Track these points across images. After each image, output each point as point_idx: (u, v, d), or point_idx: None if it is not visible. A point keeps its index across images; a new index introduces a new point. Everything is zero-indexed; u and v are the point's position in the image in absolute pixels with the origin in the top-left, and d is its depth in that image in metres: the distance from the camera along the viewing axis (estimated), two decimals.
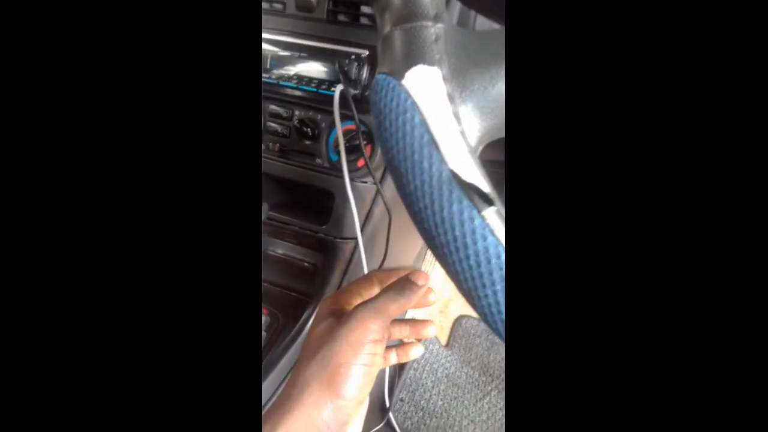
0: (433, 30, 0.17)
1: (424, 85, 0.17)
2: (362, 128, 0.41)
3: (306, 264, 0.52)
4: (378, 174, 0.44)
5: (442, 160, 0.16)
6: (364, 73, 0.39)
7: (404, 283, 0.24)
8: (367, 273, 0.28)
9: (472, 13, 0.39)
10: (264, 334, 0.48)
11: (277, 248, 0.53)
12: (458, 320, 0.97)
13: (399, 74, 0.17)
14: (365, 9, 0.39)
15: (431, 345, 0.87)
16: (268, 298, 0.51)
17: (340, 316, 0.23)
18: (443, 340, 0.92)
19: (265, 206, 0.43)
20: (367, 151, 0.42)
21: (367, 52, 0.39)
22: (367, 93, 0.40)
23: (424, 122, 0.16)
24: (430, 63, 0.17)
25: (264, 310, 0.49)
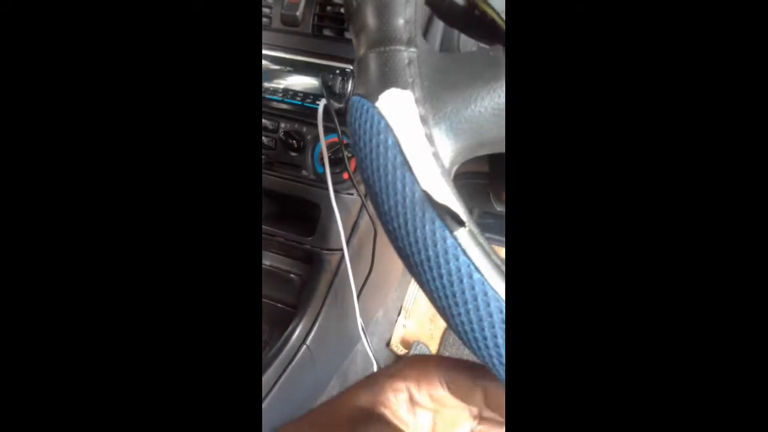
0: (406, 54, 0.18)
1: (397, 108, 0.17)
2: (346, 141, 0.41)
3: (292, 275, 0.52)
4: (363, 186, 0.44)
5: (414, 182, 0.16)
6: (349, 87, 0.40)
7: None
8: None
9: (456, 33, 0.40)
10: None
11: (263, 260, 0.53)
12: (448, 329, 0.97)
13: (373, 96, 0.17)
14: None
15: (420, 353, 0.87)
16: None
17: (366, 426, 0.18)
18: (433, 348, 0.92)
19: None
20: (351, 163, 0.42)
21: (351, 67, 0.39)
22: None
23: (397, 144, 0.17)
24: (403, 86, 0.17)
25: None
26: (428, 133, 0.17)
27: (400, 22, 0.18)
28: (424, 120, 0.17)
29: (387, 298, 0.80)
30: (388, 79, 0.17)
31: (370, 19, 0.18)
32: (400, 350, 0.87)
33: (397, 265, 0.76)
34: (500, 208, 0.53)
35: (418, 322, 0.94)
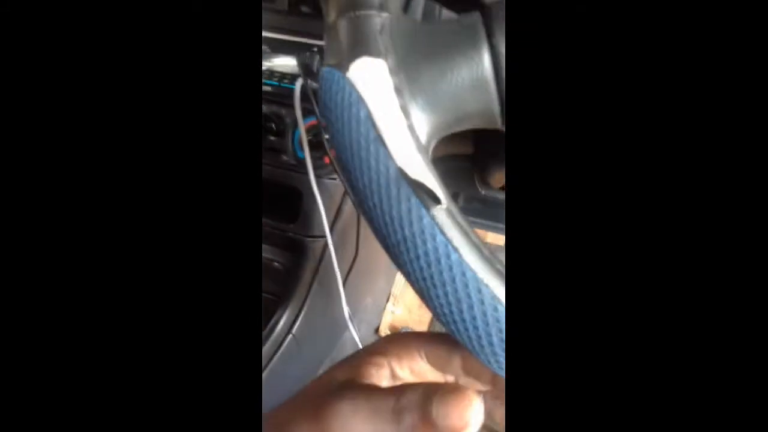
0: (379, 19, 0.17)
1: (370, 78, 0.16)
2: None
3: (275, 264, 0.51)
4: None
5: (389, 157, 0.15)
6: None
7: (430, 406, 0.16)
8: (408, 335, 0.20)
9: (437, 7, 0.38)
10: None
11: None
12: None
13: (344, 66, 0.16)
14: None
15: None
16: None
17: (346, 391, 0.18)
18: None
19: None
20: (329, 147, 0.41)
21: None
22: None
23: (369, 117, 0.16)
24: (376, 54, 0.16)
25: None
26: (403, 105, 0.16)
27: None
28: (398, 91, 0.16)
29: (375, 285, 0.80)
30: (359, 46, 0.16)
31: None
32: None
33: (382, 252, 0.76)
34: (485, 192, 0.52)
35: (406, 308, 0.94)
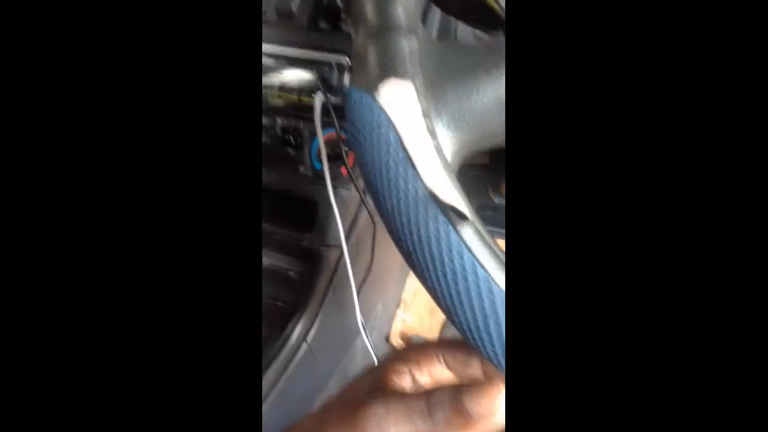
0: (406, 43, 0.17)
1: (399, 101, 0.17)
2: (344, 136, 0.40)
3: (291, 273, 0.51)
4: (361, 182, 0.44)
5: (417, 179, 0.16)
6: (346, 80, 0.39)
7: (456, 407, 0.16)
8: (425, 343, 0.21)
9: (453, 21, 0.39)
10: None
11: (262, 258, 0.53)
12: (447, 323, 0.97)
13: (372, 88, 0.17)
14: (345, 17, 0.39)
15: None
16: None
17: (377, 394, 0.18)
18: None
19: None
20: (350, 159, 0.41)
21: (348, 60, 0.39)
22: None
23: (399, 140, 0.16)
24: (404, 77, 0.17)
25: None
26: (430, 127, 0.17)
27: (399, 10, 0.17)
28: (425, 113, 0.17)
29: (386, 292, 0.80)
30: (387, 69, 0.17)
31: (369, 7, 0.17)
32: (400, 344, 0.87)
33: (397, 259, 0.76)
34: (498, 201, 0.53)
35: (417, 315, 0.94)
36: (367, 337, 0.49)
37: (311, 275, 0.49)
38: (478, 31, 0.38)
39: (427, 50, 0.18)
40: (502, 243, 0.16)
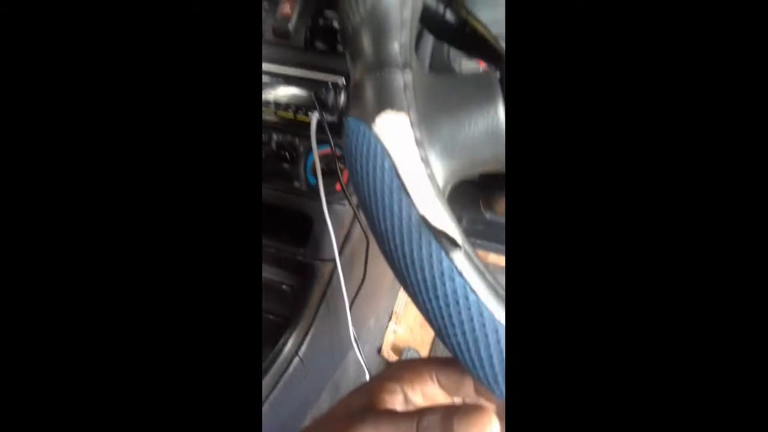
0: (402, 77, 0.18)
1: (394, 131, 0.18)
2: (339, 153, 0.41)
3: (284, 287, 0.52)
4: (355, 198, 0.45)
5: (411, 205, 0.17)
6: (341, 99, 0.40)
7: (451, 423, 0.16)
8: (418, 361, 0.21)
9: (446, 46, 0.40)
10: None
11: None
12: None
13: (369, 119, 0.18)
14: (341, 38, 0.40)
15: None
16: None
17: (367, 414, 0.18)
18: (424, 353, 0.93)
19: None
20: (344, 175, 0.42)
21: (344, 80, 0.40)
22: (344, 118, 0.41)
23: (393, 168, 0.17)
24: (399, 109, 0.18)
25: None
26: (423, 157, 0.18)
27: (395, 46, 0.18)
28: (419, 143, 0.18)
29: (378, 305, 0.80)
30: (383, 102, 0.18)
31: (366, 43, 0.18)
32: (392, 357, 0.87)
33: (389, 272, 0.77)
34: (490, 216, 0.54)
35: (408, 327, 0.94)
36: (359, 351, 0.49)
37: (304, 289, 0.49)
38: (466, 55, 0.40)
39: (421, 84, 0.19)
40: (493, 257, 0.17)
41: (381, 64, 0.18)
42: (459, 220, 0.17)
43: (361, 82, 0.18)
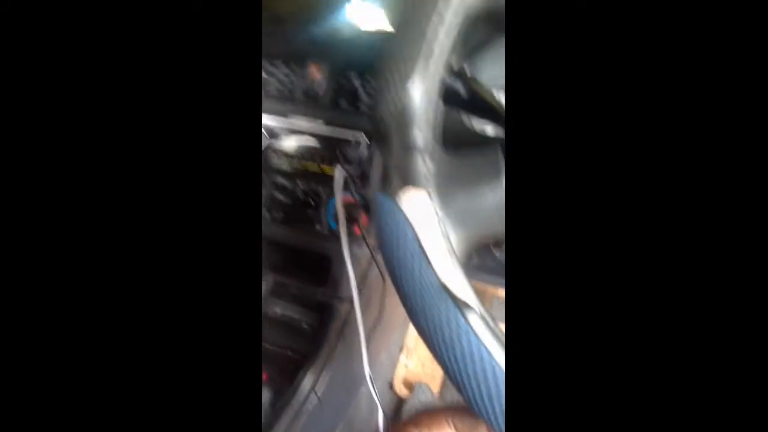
0: (422, 160, 0.22)
1: (416, 205, 0.21)
2: (360, 201, 0.45)
3: (303, 324, 0.54)
4: (372, 241, 0.48)
5: (432, 272, 0.20)
6: (364, 154, 0.44)
7: None
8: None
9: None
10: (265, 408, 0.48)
11: (275, 308, 0.55)
12: None
13: (395, 195, 0.21)
14: (364, 98, 0.44)
15: (423, 395, 0.86)
16: (265, 359, 0.52)
17: None
18: (435, 389, 0.92)
19: (270, 278, 0.46)
20: (363, 220, 0.46)
21: (366, 137, 0.44)
22: (366, 168, 0.45)
23: (415, 238, 0.20)
24: (421, 186, 0.21)
25: (264, 376, 0.50)
26: (443, 229, 0.21)
27: (417, 134, 0.22)
28: (437, 215, 0.21)
29: (390, 339, 0.81)
30: (407, 180, 0.21)
31: (393, 132, 0.22)
32: (403, 392, 0.86)
33: (401, 308, 0.78)
34: (499, 255, 0.56)
35: (420, 361, 0.94)
36: (374, 390, 0.51)
37: (322, 327, 0.51)
38: (475, 121, 0.44)
39: (440, 163, 0.22)
40: (502, 292, 0.19)
41: (405, 148, 0.22)
42: (470, 257, 0.20)
43: (388, 163, 0.22)
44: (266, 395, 0.48)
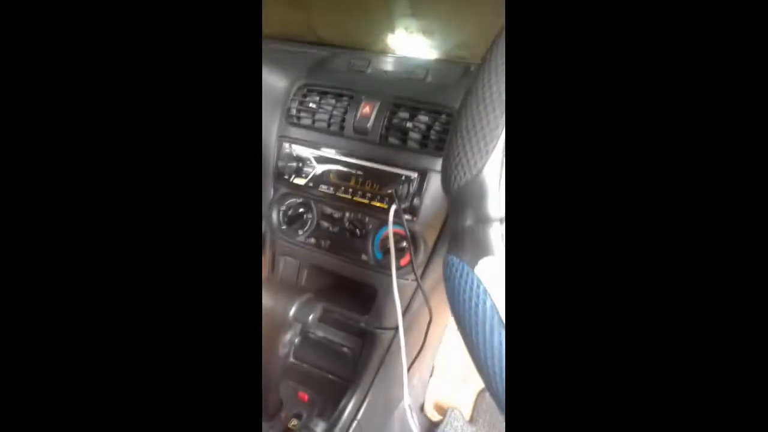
0: (499, 229, 0.22)
1: (493, 275, 0.21)
2: (404, 232, 0.46)
3: (345, 349, 0.55)
4: (419, 272, 0.49)
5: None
6: (412, 190, 0.45)
7: None
8: None
9: None
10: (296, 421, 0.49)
11: (318, 331, 0.57)
12: (481, 393, 0.96)
13: (472, 263, 0.22)
14: (413, 135, 0.46)
15: (455, 421, 0.86)
16: (307, 380, 0.54)
17: None
18: (467, 414, 0.91)
19: (319, 306, 0.48)
20: (409, 252, 0.47)
21: (416, 175, 0.45)
22: (414, 203, 0.46)
23: (494, 306, 0.21)
24: (496, 255, 0.22)
25: (304, 396, 0.52)
26: None
27: (490, 206, 0.23)
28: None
29: (423, 363, 0.81)
30: (485, 249, 0.22)
31: (468, 205, 0.23)
32: (435, 417, 0.86)
33: (437, 334, 0.78)
34: None
35: (450, 383, 0.93)
36: (414, 421, 0.51)
37: (365, 354, 0.52)
38: None
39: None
40: None
41: (481, 219, 0.22)
42: None
43: (462, 230, 0.23)
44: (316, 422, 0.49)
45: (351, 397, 0.51)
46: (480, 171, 0.22)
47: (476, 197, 0.22)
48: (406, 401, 0.51)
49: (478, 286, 0.21)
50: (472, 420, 0.89)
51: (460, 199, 0.23)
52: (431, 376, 0.91)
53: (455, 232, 0.23)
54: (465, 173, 0.22)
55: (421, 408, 0.87)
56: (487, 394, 0.96)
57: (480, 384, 0.98)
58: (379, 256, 0.49)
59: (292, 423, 0.51)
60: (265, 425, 0.48)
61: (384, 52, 0.63)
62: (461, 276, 0.22)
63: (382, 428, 0.64)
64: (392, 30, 0.60)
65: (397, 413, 0.68)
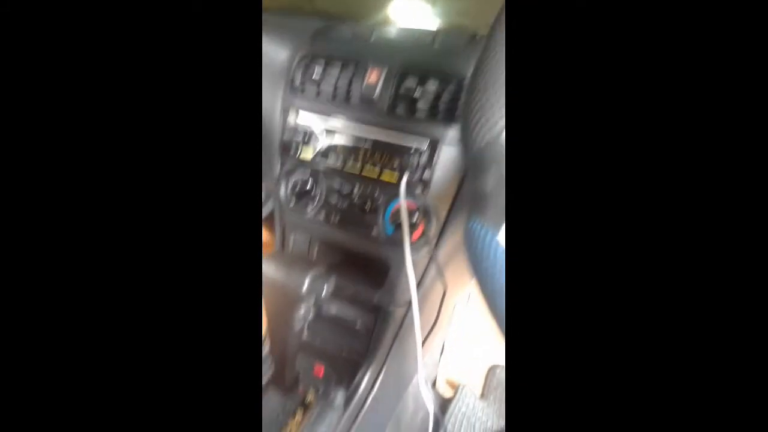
0: None
1: None
2: (416, 205, 0.45)
3: (357, 326, 0.55)
4: (433, 244, 0.48)
5: None
6: (423, 161, 0.44)
7: None
8: None
9: None
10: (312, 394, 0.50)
11: (330, 307, 0.57)
12: (492, 370, 0.96)
13: (495, 228, 0.21)
14: (420, 105, 0.44)
15: (466, 398, 0.87)
16: (321, 356, 0.54)
17: None
18: (477, 391, 0.92)
19: (331, 279, 0.47)
20: (421, 226, 0.46)
21: (426, 146, 0.43)
22: (425, 175, 0.44)
23: None
24: None
25: (320, 371, 0.52)
26: None
27: None
28: None
29: (434, 341, 0.82)
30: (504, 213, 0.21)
31: (493, 164, 0.21)
32: (447, 393, 0.87)
33: (447, 312, 0.78)
34: None
35: (461, 360, 0.94)
36: (429, 395, 0.51)
37: (379, 330, 0.52)
38: None
39: None
40: None
41: (502, 183, 0.21)
42: None
43: (485, 196, 0.21)
44: (334, 394, 0.49)
45: (365, 373, 0.51)
46: (502, 130, 0.21)
47: (498, 158, 0.21)
48: (421, 376, 0.51)
49: (497, 250, 0.20)
50: (483, 396, 0.90)
51: (481, 161, 0.22)
52: (442, 353, 0.91)
53: (476, 197, 0.22)
54: (486, 133, 0.21)
55: (433, 384, 0.88)
56: (498, 370, 0.96)
57: (490, 360, 0.98)
58: (389, 230, 0.48)
59: (310, 395, 0.52)
60: (282, 398, 0.48)
61: (384, 22, 0.60)
62: (484, 242, 0.21)
63: (395, 402, 0.64)
64: None
65: (411, 388, 0.68)
